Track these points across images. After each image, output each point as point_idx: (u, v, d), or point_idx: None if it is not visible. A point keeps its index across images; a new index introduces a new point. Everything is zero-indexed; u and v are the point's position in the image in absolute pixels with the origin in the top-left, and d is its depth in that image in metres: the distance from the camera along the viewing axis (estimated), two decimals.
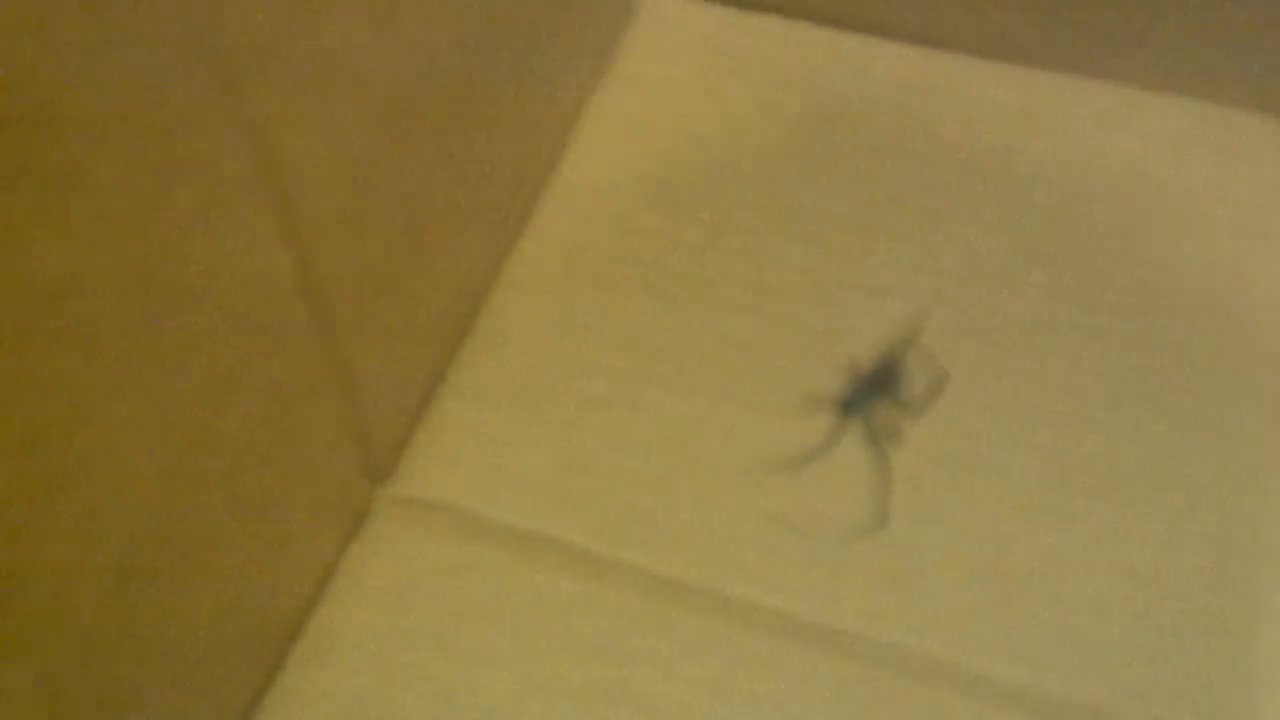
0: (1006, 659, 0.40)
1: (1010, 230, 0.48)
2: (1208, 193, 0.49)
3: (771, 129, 0.52)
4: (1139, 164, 0.50)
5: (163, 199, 0.28)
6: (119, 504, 0.30)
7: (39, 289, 0.26)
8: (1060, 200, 0.49)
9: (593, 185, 0.51)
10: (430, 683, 0.40)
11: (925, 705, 0.39)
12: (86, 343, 0.28)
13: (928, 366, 0.44)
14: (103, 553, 0.30)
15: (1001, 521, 0.42)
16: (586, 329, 0.47)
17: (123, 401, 0.29)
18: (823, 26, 0.55)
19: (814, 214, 0.49)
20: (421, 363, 0.44)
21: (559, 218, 0.50)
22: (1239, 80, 0.51)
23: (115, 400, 0.29)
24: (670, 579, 0.42)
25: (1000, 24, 0.53)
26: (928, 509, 0.43)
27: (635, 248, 0.49)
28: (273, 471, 0.37)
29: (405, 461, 0.44)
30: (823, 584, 0.41)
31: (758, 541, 0.42)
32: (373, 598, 0.42)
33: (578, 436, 0.45)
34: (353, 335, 0.38)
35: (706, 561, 0.42)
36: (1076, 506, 0.42)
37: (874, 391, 0.43)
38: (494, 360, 0.47)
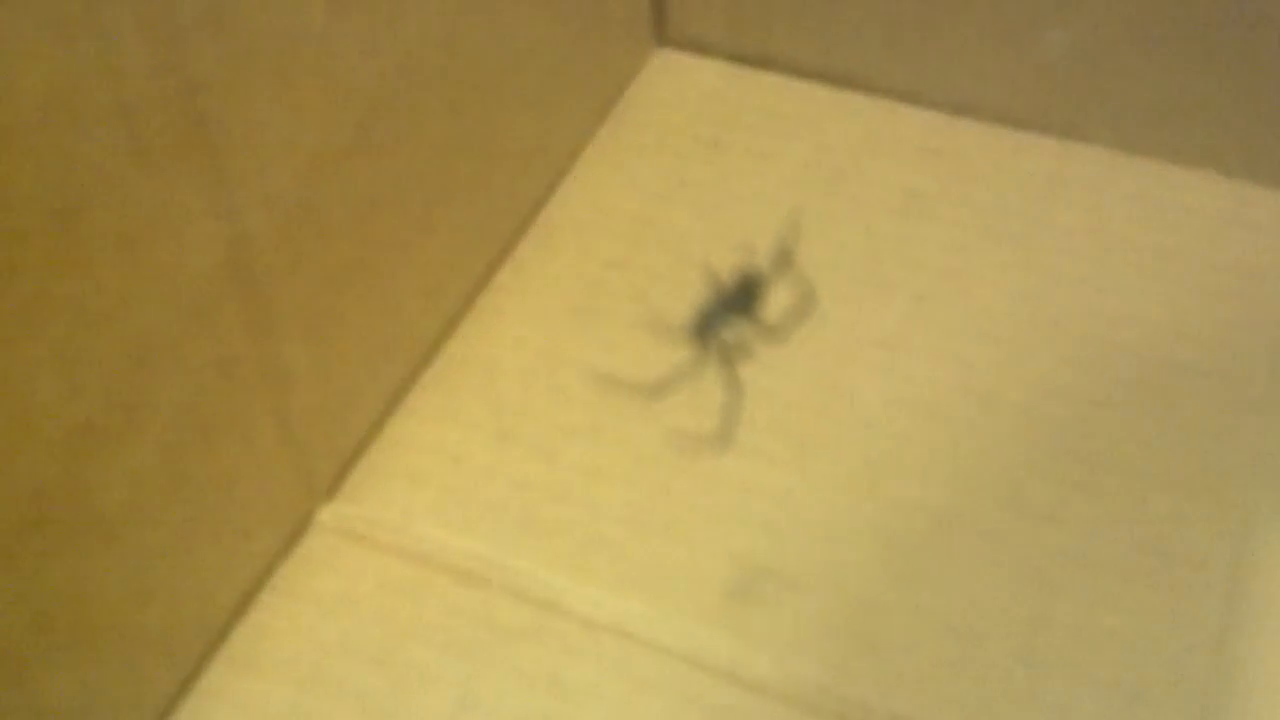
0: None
1: (1031, 298, 0.47)
2: (1238, 269, 0.48)
3: (772, 179, 0.52)
4: (1170, 240, 0.49)
5: (85, 138, 0.28)
6: (23, 442, 0.29)
7: None
8: (1086, 274, 0.48)
9: (580, 221, 0.51)
10: (360, 700, 0.39)
11: None
12: (2, 264, 0.27)
13: (798, 286, 0.41)
14: (1, 494, 0.29)
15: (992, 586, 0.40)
16: (561, 359, 0.46)
17: (35, 340, 0.28)
18: (837, 87, 0.55)
19: (814, 264, 0.48)
20: (378, 378, 0.44)
21: (542, 250, 0.50)
22: (1272, 157, 0.50)
23: (27, 333, 0.28)
24: (627, 614, 0.40)
25: (1027, 95, 0.52)
26: (907, 566, 0.41)
27: (618, 281, 0.48)
28: (203, 456, 0.36)
29: (355, 477, 0.43)
30: (785, 633, 0.39)
31: (721, 582, 0.40)
32: (307, 609, 0.40)
33: (542, 463, 0.43)
34: (293, 334, 0.37)
35: (667, 600, 0.40)
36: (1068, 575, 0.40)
37: (732, 309, 0.39)
38: (460, 384, 0.46)
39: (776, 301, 0.43)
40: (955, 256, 0.48)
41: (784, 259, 0.41)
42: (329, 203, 0.37)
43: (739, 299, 0.40)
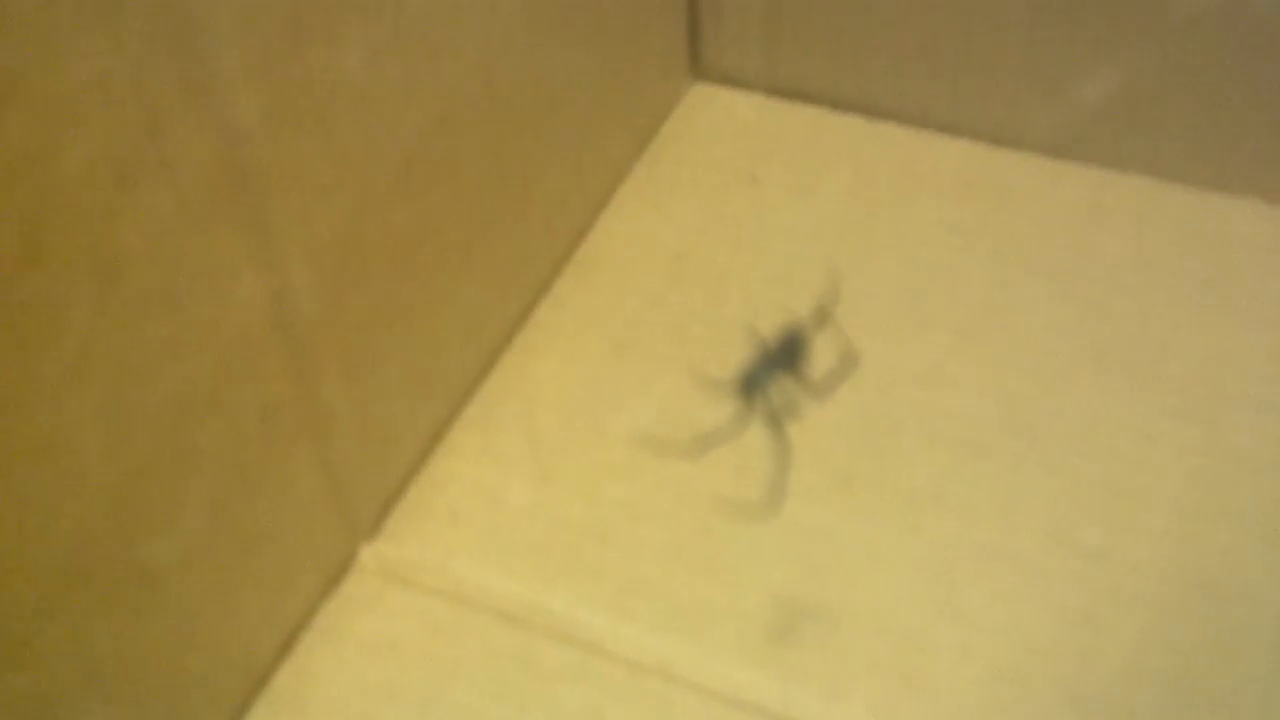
0: None
1: (1073, 331, 0.47)
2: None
3: (810, 214, 0.52)
4: (1214, 269, 0.48)
5: (131, 195, 0.28)
6: (69, 496, 0.29)
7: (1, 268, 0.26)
8: (1130, 305, 0.47)
9: (619, 257, 0.51)
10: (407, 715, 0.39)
11: None
12: (47, 324, 0.27)
13: (839, 344, 0.41)
14: (48, 548, 0.29)
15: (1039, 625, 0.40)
16: (600, 397, 0.46)
17: (82, 392, 0.29)
18: (874, 118, 0.55)
19: (857, 299, 0.48)
20: (417, 418, 0.44)
21: (581, 286, 0.50)
22: None
23: (74, 389, 0.28)
24: (670, 656, 0.40)
25: (1070, 125, 0.52)
26: (952, 604, 0.40)
27: (656, 318, 0.48)
28: (247, 504, 0.36)
29: (396, 517, 0.43)
30: (830, 673, 0.39)
31: (765, 622, 0.40)
32: (350, 651, 0.40)
33: (582, 503, 0.43)
34: (334, 378, 0.38)
35: (710, 640, 0.40)
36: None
37: (777, 367, 0.39)
38: (499, 422, 0.46)
39: (819, 359, 0.43)
40: (996, 290, 0.48)
41: (824, 318, 0.42)
42: (369, 248, 0.37)
43: (783, 358, 0.40)
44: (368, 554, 0.42)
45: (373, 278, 0.38)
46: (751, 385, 0.40)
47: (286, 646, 0.40)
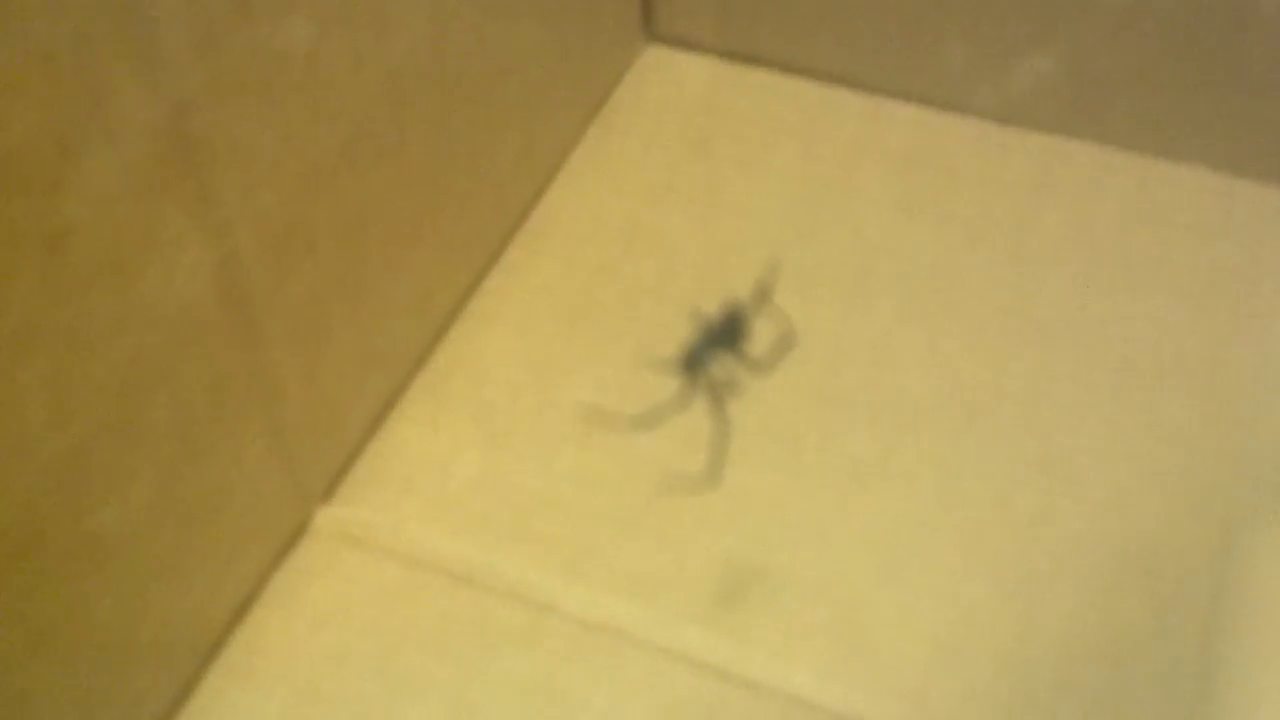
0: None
1: (1018, 301, 0.47)
2: (1224, 268, 0.48)
3: (760, 183, 0.52)
4: (1157, 239, 0.49)
5: (75, 167, 0.28)
6: (16, 467, 0.29)
7: None
8: (1073, 275, 0.48)
9: (569, 226, 0.51)
10: (356, 707, 0.39)
11: None
12: None
13: (778, 323, 0.42)
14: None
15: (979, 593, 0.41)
16: (550, 367, 0.47)
17: (28, 363, 0.29)
18: (825, 84, 0.55)
19: (806, 270, 0.49)
20: (368, 388, 0.44)
21: (531, 255, 0.50)
22: (1262, 154, 0.50)
23: (19, 360, 0.28)
24: (620, 617, 0.41)
25: (1018, 90, 0.52)
26: (895, 571, 0.41)
27: (606, 289, 0.49)
28: (196, 474, 0.36)
29: (348, 485, 0.44)
30: (776, 635, 0.40)
31: (713, 584, 0.41)
32: (302, 617, 0.41)
33: (532, 470, 0.44)
34: (283, 349, 0.38)
35: (659, 602, 0.41)
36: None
37: (718, 346, 0.41)
38: (450, 391, 0.46)
39: (759, 338, 0.44)
40: (943, 260, 0.49)
41: (764, 297, 0.43)
42: (317, 219, 0.38)
43: (724, 336, 0.41)
44: (321, 519, 0.43)
45: (321, 248, 0.38)
46: (694, 363, 0.41)
47: (239, 614, 0.40)
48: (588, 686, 0.39)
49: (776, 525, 0.42)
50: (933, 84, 0.53)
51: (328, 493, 0.43)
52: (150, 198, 0.31)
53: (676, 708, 0.39)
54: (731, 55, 0.56)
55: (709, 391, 0.40)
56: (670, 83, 0.56)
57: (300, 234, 0.37)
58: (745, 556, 0.42)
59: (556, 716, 0.39)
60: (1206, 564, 0.41)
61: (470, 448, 0.45)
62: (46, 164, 0.28)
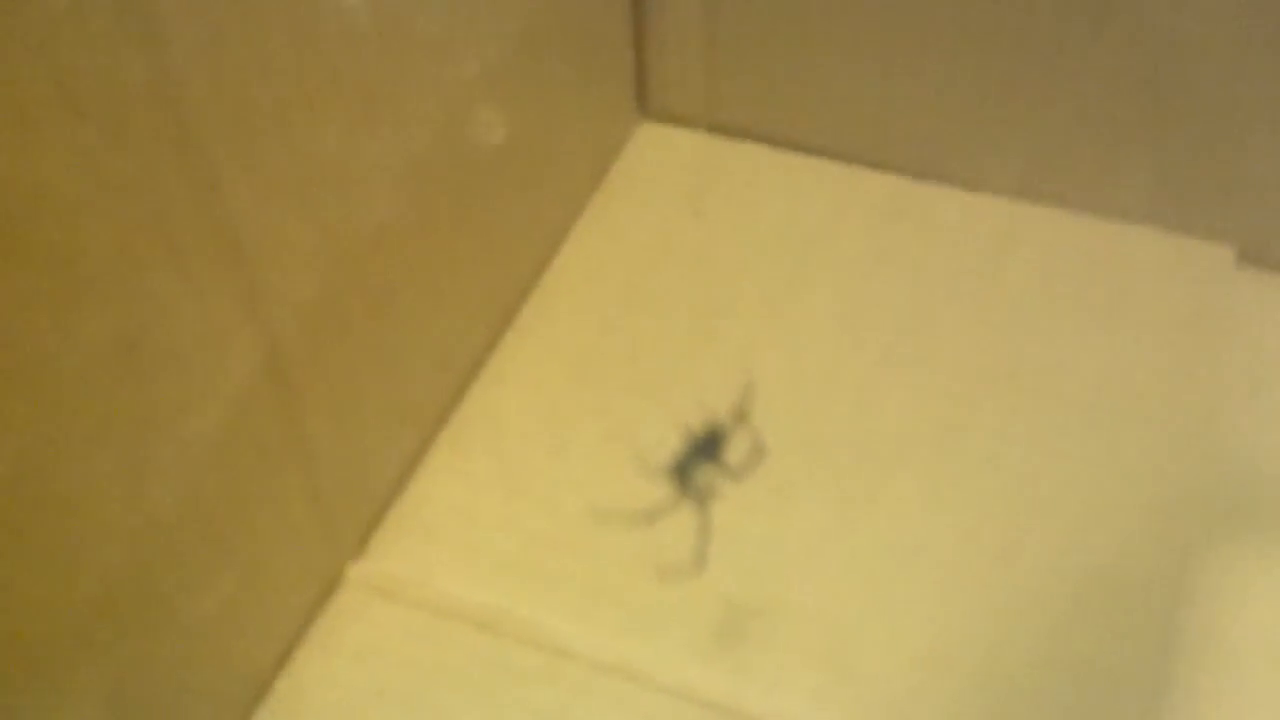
0: None
1: (987, 353, 0.52)
2: (1175, 320, 0.52)
3: (750, 245, 0.56)
4: (1112, 294, 0.53)
5: (144, 279, 0.33)
6: (96, 544, 0.33)
7: (31, 349, 0.30)
8: (1036, 328, 0.52)
9: (577, 288, 0.55)
10: None
11: None
12: (74, 392, 0.32)
13: (752, 437, 0.48)
14: (77, 591, 0.33)
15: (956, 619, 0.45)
16: (561, 419, 0.51)
17: (104, 453, 0.33)
18: (807, 154, 0.59)
19: (793, 322, 0.53)
20: (395, 446, 0.48)
21: (543, 315, 0.54)
22: (1205, 214, 0.54)
23: (96, 451, 0.33)
24: (629, 656, 0.44)
25: (982, 158, 0.56)
26: (879, 602, 0.45)
27: (611, 345, 0.53)
28: (247, 535, 0.40)
29: (379, 537, 0.48)
30: (773, 666, 0.44)
31: (713, 623, 0.45)
32: (341, 660, 0.45)
33: (547, 517, 0.48)
34: (320, 417, 0.42)
35: (665, 641, 0.45)
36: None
37: (701, 457, 0.47)
38: (471, 445, 0.50)
39: (736, 449, 0.49)
40: (918, 316, 0.53)
41: (741, 416, 0.49)
42: (350, 300, 0.42)
43: (706, 448, 0.47)
44: (354, 572, 0.47)
45: (353, 326, 0.43)
46: (682, 472, 0.47)
47: (284, 657, 0.44)
48: (601, 706, 0.43)
49: (770, 563, 0.46)
50: (905, 154, 0.57)
51: (360, 545, 0.47)
52: (206, 299, 0.35)
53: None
54: (719, 129, 0.60)
55: (694, 496, 0.46)
56: (665, 154, 0.60)
57: (335, 314, 0.41)
58: (742, 594, 0.45)
59: None
60: (1165, 586, 0.45)
61: (489, 497, 0.49)
62: (121, 278, 0.32)
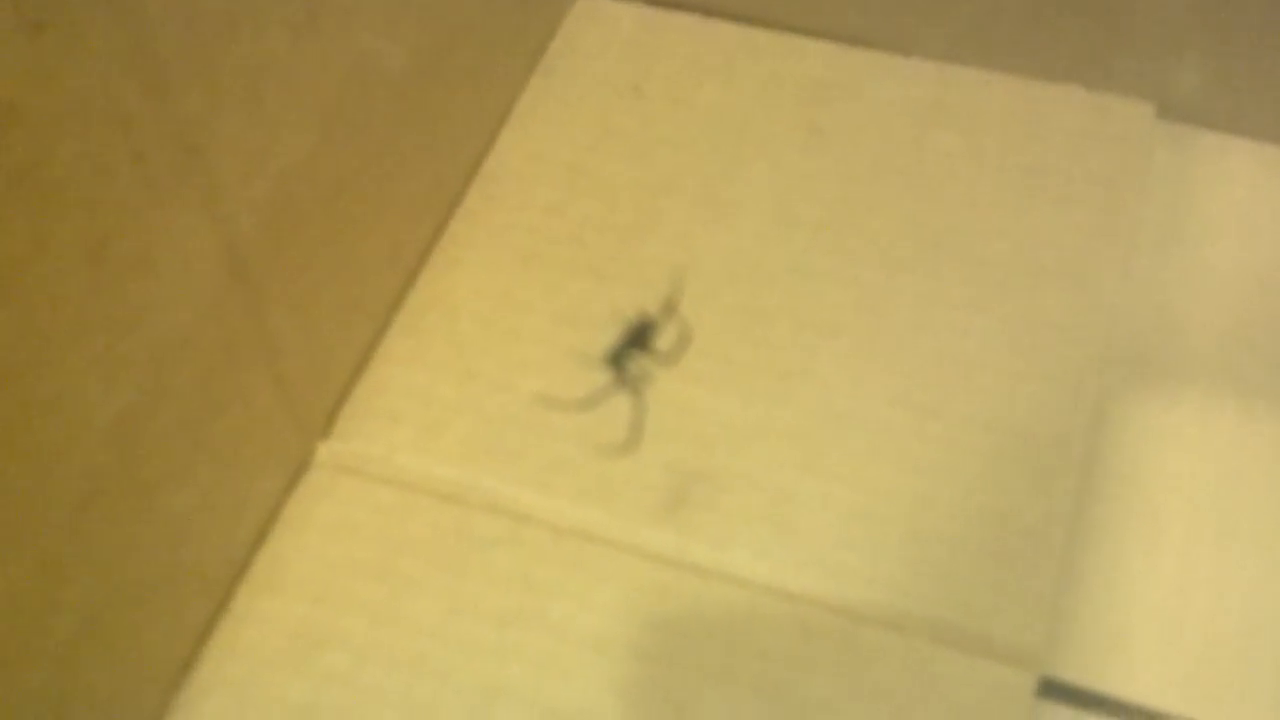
0: (868, 588, 0.46)
1: (916, 221, 0.54)
2: (1095, 179, 0.54)
3: (689, 122, 0.58)
4: (1035, 156, 0.55)
5: (108, 185, 0.34)
6: (79, 437, 0.36)
7: (5, 258, 0.32)
8: (963, 194, 0.54)
9: (519, 172, 0.57)
10: (365, 609, 0.46)
11: (795, 625, 0.45)
12: (49, 301, 0.33)
13: (680, 326, 0.51)
14: (64, 481, 0.36)
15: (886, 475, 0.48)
16: (514, 301, 0.53)
17: (80, 350, 0.35)
18: (741, 24, 0.60)
19: (731, 200, 0.55)
20: (355, 332, 0.50)
21: (488, 201, 0.56)
22: (1126, 71, 0.56)
23: (74, 348, 0.35)
24: (585, 521, 0.48)
25: (912, 23, 0.58)
26: (816, 463, 0.48)
27: (557, 227, 0.55)
28: (218, 423, 0.42)
29: (343, 421, 0.50)
30: (717, 527, 0.47)
31: (663, 489, 0.48)
32: (314, 536, 0.48)
33: (504, 396, 0.50)
34: (283, 310, 0.44)
35: (618, 506, 0.48)
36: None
37: (633, 347, 0.50)
38: (427, 329, 0.52)
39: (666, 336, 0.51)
40: (851, 187, 0.55)
41: (670, 306, 0.51)
42: (302, 197, 0.43)
43: (637, 338, 0.50)
44: (322, 453, 0.49)
45: (307, 221, 0.44)
46: (616, 361, 0.49)
47: (260, 537, 0.47)
48: (560, 578, 0.47)
49: (710, 434, 0.49)
50: (838, 21, 0.59)
51: (326, 429, 0.50)
52: (169, 200, 0.37)
53: (636, 593, 0.46)
54: (655, 2, 0.61)
55: (628, 382, 0.49)
56: (603, 30, 0.61)
57: (289, 210, 0.43)
58: (685, 463, 0.48)
59: (534, 603, 0.46)
60: (1083, 437, 0.48)
61: (446, 379, 0.51)
62: (86, 187, 0.33)
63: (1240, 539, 0.47)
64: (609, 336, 0.49)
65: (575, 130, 0.58)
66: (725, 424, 0.49)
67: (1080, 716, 0.44)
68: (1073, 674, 0.45)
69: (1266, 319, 0.52)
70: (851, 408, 0.49)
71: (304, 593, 0.47)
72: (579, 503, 0.48)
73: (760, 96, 0.58)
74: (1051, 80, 0.57)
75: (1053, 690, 0.44)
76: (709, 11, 0.61)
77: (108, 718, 0.42)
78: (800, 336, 0.51)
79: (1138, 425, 0.50)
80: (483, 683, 0.45)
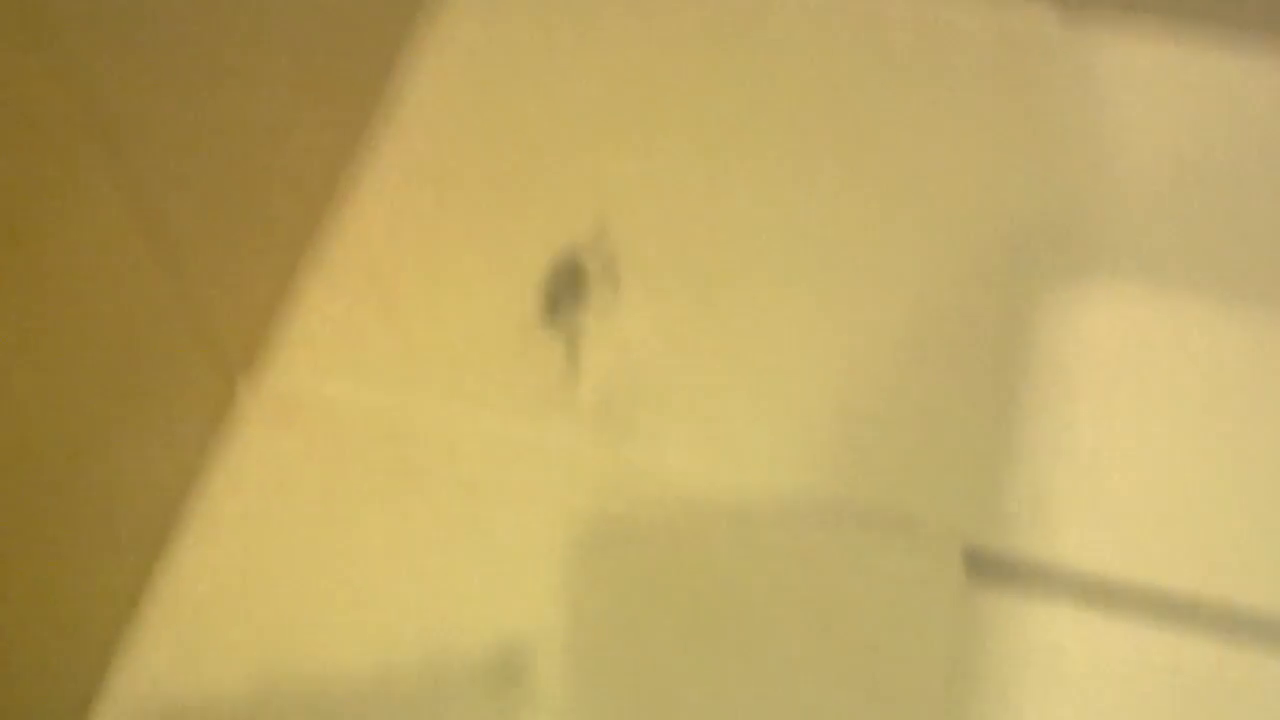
0: (798, 475, 0.47)
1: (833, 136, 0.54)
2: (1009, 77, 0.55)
3: (598, 53, 0.57)
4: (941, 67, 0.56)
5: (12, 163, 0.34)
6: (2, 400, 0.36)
7: None
8: (877, 107, 0.55)
9: (430, 104, 0.56)
10: (308, 539, 0.46)
11: (729, 525, 0.46)
12: None
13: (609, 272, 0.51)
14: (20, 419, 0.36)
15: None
16: (425, 225, 0.53)
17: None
18: None
19: (647, 133, 0.55)
20: (270, 269, 0.50)
21: (400, 132, 0.55)
22: None
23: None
24: (522, 437, 0.48)
25: None
26: (741, 369, 0.49)
27: (469, 153, 0.54)
28: (141, 373, 0.42)
29: (267, 355, 0.50)
30: (652, 435, 0.48)
31: (600, 395, 0.49)
32: (249, 472, 0.48)
33: (428, 327, 0.50)
34: (196, 254, 0.44)
35: (553, 421, 0.48)
36: None
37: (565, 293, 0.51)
38: (345, 263, 0.52)
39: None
40: (763, 101, 0.55)
41: (596, 248, 0.51)
42: (202, 138, 0.43)
43: (568, 284, 0.51)
44: (248, 388, 0.49)
45: (211, 159, 0.44)
46: (551, 310, 0.50)
47: (194, 478, 0.47)
48: (502, 482, 0.47)
49: (644, 355, 0.50)
50: None
51: (249, 367, 0.49)
52: (79, 174, 0.36)
53: (577, 493, 0.47)
54: None
55: (561, 326, 0.50)
56: None
57: (192, 153, 0.42)
58: (620, 374, 0.49)
59: (474, 518, 0.47)
60: (989, 311, 0.50)
61: (365, 306, 0.51)
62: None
63: (1153, 405, 0.49)
64: (527, 253, 0.50)
65: (485, 59, 0.57)
66: (656, 346, 0.50)
67: (1007, 589, 0.46)
68: (998, 544, 0.46)
69: (1173, 200, 0.53)
70: (780, 315, 0.50)
71: (243, 530, 0.47)
72: (514, 421, 0.48)
73: (674, 25, 0.57)
74: None
75: (980, 563, 0.46)
76: None
77: (50, 674, 0.42)
78: (723, 256, 0.52)
79: (1053, 305, 0.51)
80: (431, 603, 0.45)
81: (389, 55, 0.56)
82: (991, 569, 0.46)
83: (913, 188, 0.53)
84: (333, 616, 0.45)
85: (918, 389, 0.48)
